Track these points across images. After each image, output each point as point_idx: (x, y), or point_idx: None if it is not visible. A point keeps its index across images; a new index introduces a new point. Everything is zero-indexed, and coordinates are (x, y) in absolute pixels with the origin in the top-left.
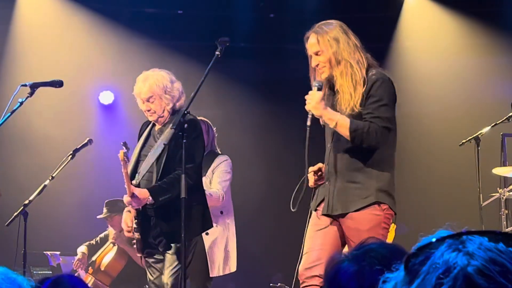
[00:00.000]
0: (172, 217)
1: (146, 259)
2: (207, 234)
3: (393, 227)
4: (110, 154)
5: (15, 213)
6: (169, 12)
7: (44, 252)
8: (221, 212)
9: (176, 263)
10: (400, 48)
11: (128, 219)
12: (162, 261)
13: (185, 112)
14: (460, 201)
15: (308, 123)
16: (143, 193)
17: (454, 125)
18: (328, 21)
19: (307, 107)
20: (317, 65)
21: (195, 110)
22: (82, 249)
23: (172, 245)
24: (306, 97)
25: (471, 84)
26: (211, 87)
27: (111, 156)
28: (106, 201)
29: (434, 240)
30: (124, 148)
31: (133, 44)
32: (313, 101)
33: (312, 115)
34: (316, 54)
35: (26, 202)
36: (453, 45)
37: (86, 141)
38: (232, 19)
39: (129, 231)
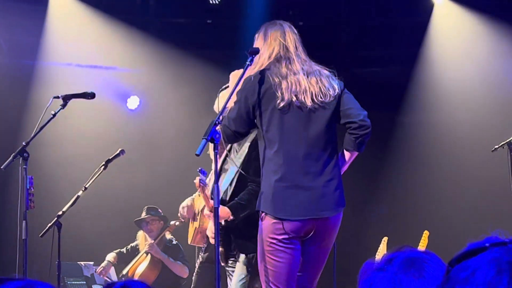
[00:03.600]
0: (243, 228)
1: (227, 268)
2: None
3: (426, 233)
4: (140, 161)
5: (49, 224)
6: (198, 22)
7: (78, 262)
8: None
9: (245, 272)
10: (430, 54)
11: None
12: None
13: (216, 122)
14: (493, 207)
15: None
16: (225, 212)
17: (486, 130)
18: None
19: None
20: None
21: None
22: (111, 256)
23: (242, 255)
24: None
25: (502, 89)
26: None
27: (141, 163)
28: (146, 206)
29: (478, 247)
30: (200, 175)
31: (161, 53)
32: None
33: None
34: None
35: (60, 213)
36: (484, 50)
37: (118, 151)
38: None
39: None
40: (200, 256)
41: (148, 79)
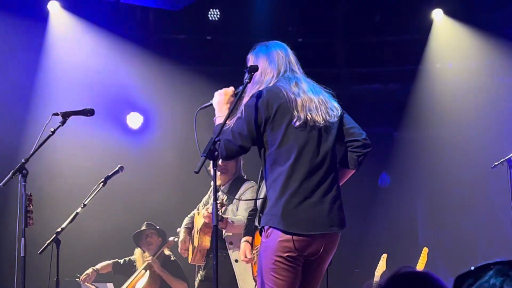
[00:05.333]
0: None
1: None
2: (236, 261)
3: (425, 250)
4: (140, 178)
5: (48, 241)
6: (198, 38)
7: (77, 279)
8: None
9: None
10: (430, 71)
11: (247, 250)
12: None
13: (215, 140)
14: (493, 224)
15: None
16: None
17: (486, 147)
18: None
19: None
20: None
21: None
22: (99, 265)
23: None
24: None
25: (502, 105)
26: None
27: (141, 181)
28: (146, 222)
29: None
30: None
31: (161, 69)
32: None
33: None
34: None
35: (59, 229)
36: (483, 66)
37: (117, 168)
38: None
39: (247, 262)
40: (199, 274)
41: (147, 95)
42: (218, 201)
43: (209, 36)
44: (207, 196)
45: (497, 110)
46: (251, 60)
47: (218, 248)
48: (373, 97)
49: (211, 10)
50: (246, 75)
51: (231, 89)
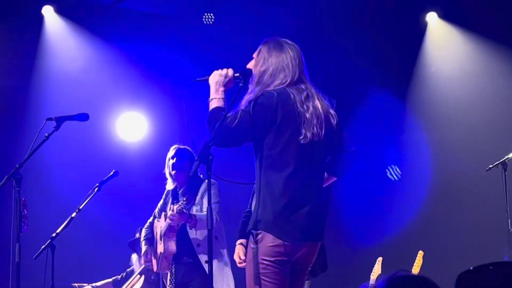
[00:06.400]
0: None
1: None
2: (206, 262)
3: (420, 254)
4: (136, 184)
5: (43, 246)
6: (192, 42)
7: (72, 284)
8: (216, 238)
9: None
10: (424, 74)
11: (241, 252)
12: None
13: (210, 144)
14: (489, 226)
15: None
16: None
17: (480, 150)
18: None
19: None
20: None
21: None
22: (100, 282)
23: None
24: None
25: (496, 108)
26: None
27: (136, 186)
28: (140, 227)
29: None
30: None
31: (156, 73)
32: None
33: None
34: None
35: (53, 235)
36: (477, 69)
37: (112, 173)
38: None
39: (240, 263)
40: (168, 281)
41: (142, 99)
42: (181, 201)
43: (203, 40)
44: (161, 201)
45: (492, 113)
46: (261, 54)
47: (186, 253)
48: (367, 100)
49: (206, 14)
50: (240, 77)
51: (231, 72)
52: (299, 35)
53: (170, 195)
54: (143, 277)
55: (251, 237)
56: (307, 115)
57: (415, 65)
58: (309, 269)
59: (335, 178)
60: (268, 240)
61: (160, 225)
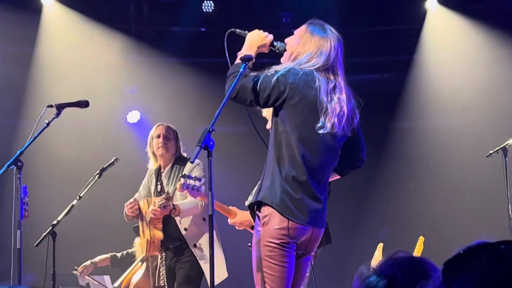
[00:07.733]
0: None
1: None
2: (194, 246)
3: (421, 239)
4: (137, 171)
5: (44, 233)
6: (192, 30)
7: (74, 271)
8: (204, 219)
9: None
10: (424, 60)
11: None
12: None
13: (210, 129)
14: (489, 212)
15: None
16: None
17: (481, 136)
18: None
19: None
20: None
21: (221, 127)
22: (98, 258)
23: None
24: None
25: (496, 95)
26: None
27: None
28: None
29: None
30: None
31: (156, 62)
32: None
33: None
34: None
35: (55, 222)
36: (478, 55)
37: (112, 160)
38: None
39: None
40: (159, 263)
41: (142, 87)
42: (163, 196)
43: (203, 28)
44: (146, 179)
45: (492, 99)
46: (304, 34)
47: (173, 238)
48: (368, 88)
49: (205, 1)
50: (275, 47)
51: (271, 39)
52: (299, 20)
53: (153, 175)
54: (144, 264)
55: (257, 219)
56: (330, 106)
57: (415, 51)
58: (313, 254)
59: (338, 176)
60: (274, 222)
61: (145, 211)
